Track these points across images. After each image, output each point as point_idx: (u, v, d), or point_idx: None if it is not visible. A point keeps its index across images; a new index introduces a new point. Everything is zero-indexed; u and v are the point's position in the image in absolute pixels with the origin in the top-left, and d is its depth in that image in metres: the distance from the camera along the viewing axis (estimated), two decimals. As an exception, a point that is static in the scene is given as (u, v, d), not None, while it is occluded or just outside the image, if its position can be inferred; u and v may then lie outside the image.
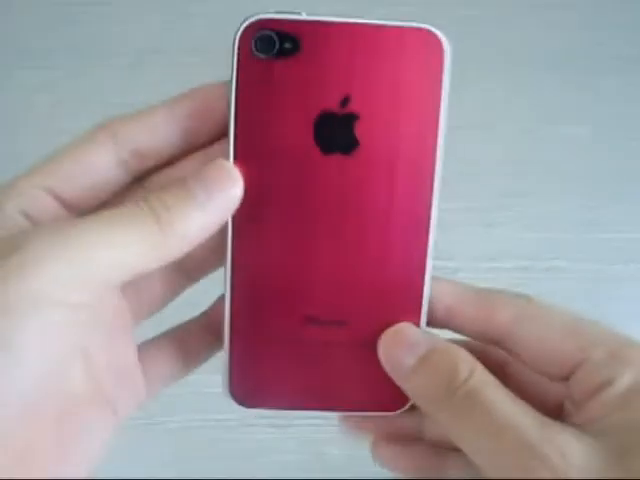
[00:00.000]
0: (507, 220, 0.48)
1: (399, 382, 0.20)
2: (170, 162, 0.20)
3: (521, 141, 0.52)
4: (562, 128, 0.52)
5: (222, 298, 0.21)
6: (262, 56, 0.18)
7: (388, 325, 0.20)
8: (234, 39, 0.20)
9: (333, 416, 0.44)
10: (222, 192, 0.18)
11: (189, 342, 0.22)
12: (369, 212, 0.19)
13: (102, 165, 0.19)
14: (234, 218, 0.19)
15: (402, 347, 0.19)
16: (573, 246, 0.49)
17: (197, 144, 0.20)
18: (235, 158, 0.19)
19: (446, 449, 0.22)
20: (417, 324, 0.20)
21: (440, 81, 0.19)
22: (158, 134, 0.19)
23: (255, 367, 0.20)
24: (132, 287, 0.20)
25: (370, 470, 0.43)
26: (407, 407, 0.21)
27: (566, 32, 0.55)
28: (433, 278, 0.21)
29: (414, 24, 0.19)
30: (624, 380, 0.18)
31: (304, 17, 0.18)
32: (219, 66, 0.53)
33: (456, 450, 0.20)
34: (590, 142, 0.52)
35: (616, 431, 0.17)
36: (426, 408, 0.19)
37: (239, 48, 0.20)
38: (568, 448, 0.16)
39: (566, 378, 0.19)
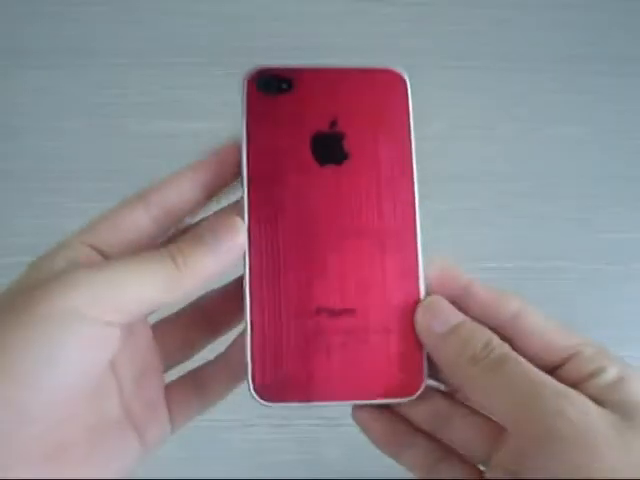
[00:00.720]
0: (507, 220, 0.48)
1: (431, 348, 0.22)
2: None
3: (521, 141, 0.52)
4: (562, 128, 0.52)
5: (241, 331, 0.24)
6: (265, 94, 0.23)
7: (392, 308, 0.23)
8: (242, 81, 0.24)
9: (333, 416, 0.44)
10: (228, 239, 0.22)
11: (209, 382, 0.25)
12: (363, 209, 0.23)
13: (134, 225, 0.23)
14: (249, 224, 0.23)
15: (435, 316, 0.23)
16: (573, 246, 0.49)
17: (217, 197, 0.24)
18: (249, 171, 0.23)
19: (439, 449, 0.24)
20: (417, 299, 0.23)
21: (407, 103, 0.24)
22: (185, 195, 0.23)
23: (275, 364, 0.22)
24: (161, 335, 0.24)
25: (370, 470, 0.43)
26: (420, 392, 0.23)
27: (566, 32, 0.55)
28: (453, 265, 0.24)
29: (383, 66, 0.24)
30: (612, 371, 0.21)
31: (295, 65, 0.24)
32: (219, 66, 0.54)
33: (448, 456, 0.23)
34: (590, 142, 0.52)
35: (614, 407, 0.20)
36: (456, 370, 0.22)
37: (247, 88, 0.24)
38: (588, 408, 0.20)
39: (556, 368, 0.22)
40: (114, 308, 0.20)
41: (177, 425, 0.25)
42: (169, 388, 0.25)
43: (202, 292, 0.26)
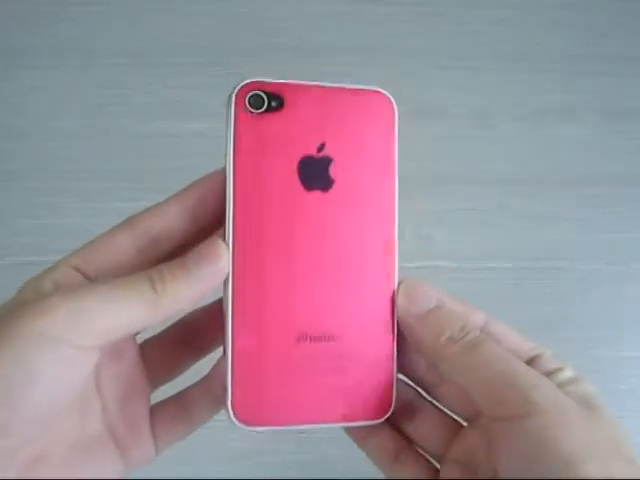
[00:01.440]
0: (507, 220, 0.48)
1: (410, 329, 0.24)
2: (183, 244, 0.24)
3: (521, 141, 0.52)
4: (562, 128, 0.52)
5: (222, 354, 0.24)
6: (253, 111, 0.22)
7: (370, 333, 0.24)
8: (229, 97, 0.23)
9: (335, 427, 0.44)
10: (210, 264, 0.22)
11: (193, 405, 0.25)
12: (345, 238, 0.23)
13: (119, 251, 0.23)
14: (234, 249, 0.22)
15: (414, 299, 0.24)
16: (573, 246, 0.49)
17: (205, 225, 0.24)
18: (233, 195, 0.22)
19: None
20: (392, 327, 0.24)
21: (393, 128, 0.24)
22: (170, 223, 0.23)
23: (255, 389, 0.23)
24: (148, 354, 0.25)
25: (370, 470, 0.43)
26: (389, 414, 0.24)
27: (566, 32, 0.55)
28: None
29: (371, 87, 0.24)
30: (569, 371, 0.23)
31: (286, 81, 0.23)
32: (218, 66, 0.54)
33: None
34: (590, 142, 0.52)
35: (573, 398, 0.21)
36: (435, 349, 0.23)
37: (235, 105, 0.23)
38: (557, 389, 0.21)
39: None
40: (88, 332, 0.20)
41: (161, 447, 0.25)
42: (154, 410, 0.25)
43: (187, 311, 0.26)
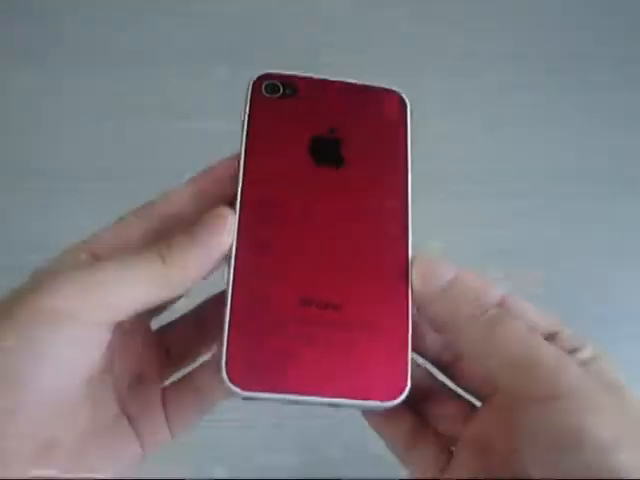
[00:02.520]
0: (507, 220, 0.49)
1: (427, 305, 0.23)
2: None
3: (521, 141, 0.52)
4: (562, 128, 0.52)
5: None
6: (269, 96, 0.24)
7: (382, 309, 0.22)
8: (249, 82, 0.25)
9: (333, 416, 0.44)
10: (217, 231, 0.21)
11: (205, 384, 0.25)
12: (357, 213, 0.23)
13: (133, 237, 0.23)
14: (240, 218, 0.22)
15: (430, 274, 0.23)
16: (573, 246, 0.49)
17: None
18: (245, 168, 0.23)
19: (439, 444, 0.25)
20: (406, 304, 0.23)
21: (405, 124, 0.25)
22: (186, 209, 0.23)
23: (252, 349, 0.21)
24: (163, 340, 0.25)
25: (370, 470, 0.43)
26: (403, 397, 0.22)
27: (566, 32, 0.55)
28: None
29: (384, 86, 0.25)
30: (589, 349, 0.22)
31: (302, 73, 0.25)
32: (219, 66, 0.54)
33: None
34: (589, 142, 0.52)
35: (597, 377, 0.21)
36: (455, 325, 0.22)
37: (252, 90, 0.24)
38: (581, 370, 0.21)
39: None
40: (100, 307, 0.20)
41: (176, 428, 0.25)
42: (165, 391, 0.25)
43: (197, 283, 0.24)
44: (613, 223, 0.50)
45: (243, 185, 0.23)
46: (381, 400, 0.21)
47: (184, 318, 0.26)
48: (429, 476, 0.24)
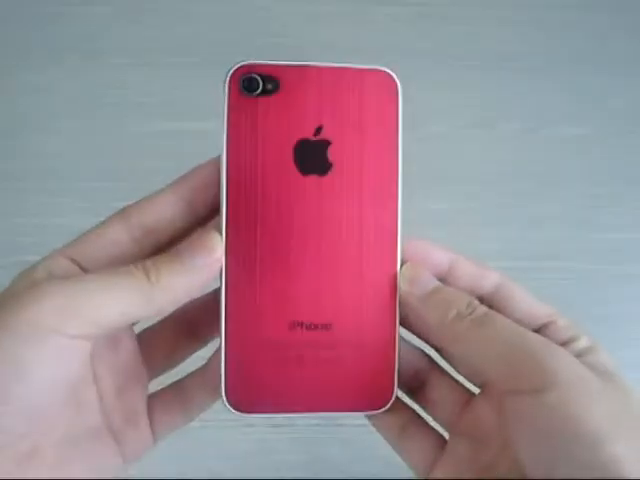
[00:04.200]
0: (507, 220, 0.48)
1: (416, 310, 0.23)
2: (182, 233, 0.24)
3: (521, 141, 0.52)
4: (562, 128, 0.52)
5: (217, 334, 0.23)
6: (248, 95, 0.22)
7: (369, 321, 0.23)
8: (224, 81, 0.22)
9: (333, 416, 0.44)
10: (204, 255, 0.21)
11: (191, 393, 0.25)
12: (344, 224, 0.22)
13: (114, 242, 0.23)
14: (227, 238, 0.22)
15: (416, 281, 0.23)
16: (573, 246, 0.49)
17: (204, 213, 0.23)
18: (227, 181, 0.22)
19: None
20: (393, 320, 0.23)
21: (396, 110, 0.23)
22: (166, 213, 0.23)
23: (249, 374, 0.22)
24: (146, 344, 0.24)
25: (370, 470, 0.43)
26: (390, 405, 0.23)
27: (566, 32, 0.55)
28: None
29: (373, 66, 0.23)
30: (584, 339, 0.23)
31: (282, 62, 0.22)
32: (219, 66, 0.53)
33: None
34: (590, 142, 0.52)
35: (592, 368, 0.21)
36: (443, 328, 0.22)
37: (229, 88, 0.22)
38: (575, 360, 0.21)
39: (536, 332, 0.23)
40: (80, 322, 0.20)
41: (159, 436, 0.25)
42: (151, 399, 0.25)
43: (184, 302, 0.24)
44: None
45: (227, 201, 0.22)
46: (367, 410, 0.23)
47: (168, 319, 0.26)
48: (423, 466, 0.25)
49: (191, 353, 0.26)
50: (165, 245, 0.23)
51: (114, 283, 0.20)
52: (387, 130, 0.23)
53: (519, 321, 0.23)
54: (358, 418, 0.45)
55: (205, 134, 0.51)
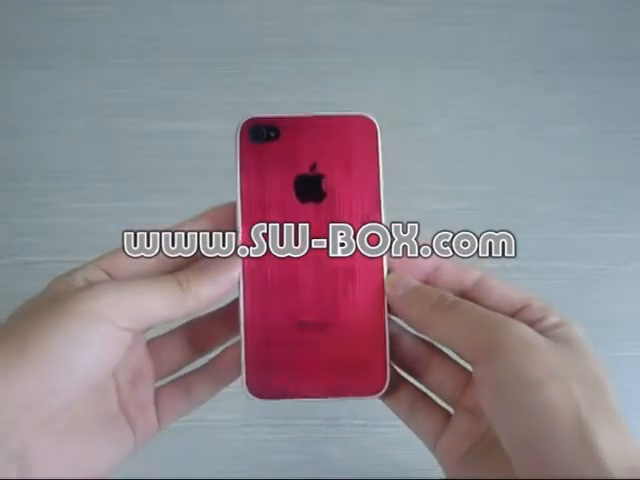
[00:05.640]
0: (507, 220, 0.49)
1: (399, 307, 0.27)
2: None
3: (521, 141, 0.52)
4: (562, 128, 0.52)
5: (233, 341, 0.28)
6: (255, 142, 0.27)
7: (363, 320, 0.27)
8: (236, 130, 0.27)
9: (333, 416, 0.44)
10: (227, 274, 0.26)
11: (194, 387, 0.29)
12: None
13: (142, 260, 0.27)
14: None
15: (399, 284, 0.28)
16: (573, 246, 0.49)
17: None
18: (242, 210, 0.27)
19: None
20: (383, 320, 0.28)
21: (376, 147, 0.28)
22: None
23: (264, 366, 0.27)
24: (155, 350, 0.28)
25: (370, 470, 0.43)
26: (384, 391, 0.28)
27: (566, 32, 0.55)
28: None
29: (355, 113, 0.28)
30: (555, 317, 0.26)
31: (281, 114, 0.27)
32: (219, 66, 0.54)
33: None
34: (590, 142, 0.52)
35: (551, 337, 0.24)
36: (421, 319, 0.27)
37: (240, 137, 0.27)
38: (528, 329, 0.24)
39: (513, 315, 0.26)
40: (130, 316, 0.24)
41: (164, 424, 0.28)
42: (159, 391, 0.29)
43: (206, 309, 0.28)
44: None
45: (242, 224, 0.27)
46: (365, 395, 0.28)
47: (175, 331, 0.30)
48: (430, 437, 0.28)
49: (192, 361, 0.30)
50: (184, 264, 0.27)
51: (156, 288, 0.25)
52: (370, 164, 0.28)
53: (496, 307, 0.26)
54: (358, 418, 0.45)
55: (204, 134, 0.51)
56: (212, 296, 0.26)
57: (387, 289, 0.27)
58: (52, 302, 0.23)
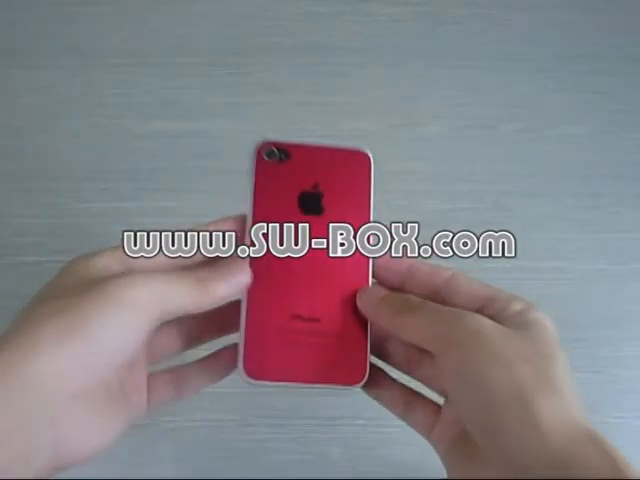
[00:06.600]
0: (507, 220, 0.49)
1: (370, 316, 0.31)
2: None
3: (521, 141, 0.52)
4: (562, 128, 0.52)
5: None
6: (268, 161, 0.32)
7: (347, 320, 0.31)
8: (252, 150, 0.31)
9: (333, 416, 0.44)
10: (237, 276, 0.30)
11: (186, 379, 0.32)
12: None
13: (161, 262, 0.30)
14: (251, 258, 0.31)
15: (368, 295, 0.31)
16: (573, 246, 0.49)
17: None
18: (253, 219, 0.31)
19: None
20: (365, 321, 0.31)
21: (369, 174, 0.32)
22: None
23: (260, 352, 0.30)
24: (151, 340, 0.29)
25: (370, 470, 0.43)
26: (364, 382, 0.31)
27: (566, 32, 0.55)
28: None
29: (355, 147, 0.32)
30: (518, 306, 0.28)
31: (292, 141, 0.32)
32: (219, 66, 0.54)
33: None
34: (590, 142, 0.52)
35: (509, 324, 0.27)
36: (389, 323, 0.30)
37: (255, 156, 0.31)
38: (483, 320, 0.27)
39: (479, 309, 0.29)
40: (159, 307, 0.26)
41: (152, 406, 0.31)
42: (152, 377, 0.31)
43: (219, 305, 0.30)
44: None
45: (252, 232, 0.31)
46: (347, 385, 0.31)
47: (165, 325, 0.31)
48: (424, 429, 0.31)
49: (179, 353, 0.32)
50: (192, 262, 0.30)
51: (182, 283, 0.27)
52: (363, 188, 0.32)
53: (464, 303, 0.29)
54: (358, 418, 0.45)
55: (204, 134, 0.51)
56: (225, 295, 0.29)
57: (357, 302, 0.31)
58: (90, 286, 0.26)
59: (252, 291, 0.30)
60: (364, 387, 0.32)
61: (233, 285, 0.29)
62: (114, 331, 0.25)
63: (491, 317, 0.27)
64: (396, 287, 0.31)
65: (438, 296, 0.30)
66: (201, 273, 0.29)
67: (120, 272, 0.27)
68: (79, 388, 0.25)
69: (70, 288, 0.26)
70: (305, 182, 0.32)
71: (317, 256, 0.31)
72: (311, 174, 0.32)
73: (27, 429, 0.23)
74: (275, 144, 0.32)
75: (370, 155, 0.32)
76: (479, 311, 0.28)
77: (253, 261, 0.30)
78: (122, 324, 0.26)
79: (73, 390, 0.25)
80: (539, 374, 0.25)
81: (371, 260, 0.32)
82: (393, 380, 0.32)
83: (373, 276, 0.32)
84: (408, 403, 0.32)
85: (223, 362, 0.32)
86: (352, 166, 0.32)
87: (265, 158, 0.32)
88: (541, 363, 0.25)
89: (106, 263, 0.28)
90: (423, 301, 0.29)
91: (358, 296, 0.31)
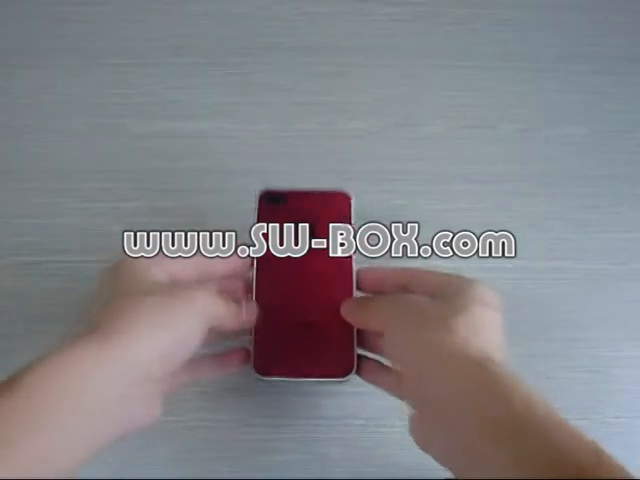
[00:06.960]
0: (508, 220, 0.49)
1: (352, 320, 0.37)
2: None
3: (521, 141, 0.52)
4: (562, 128, 0.52)
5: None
6: (269, 203, 0.40)
7: (336, 325, 0.37)
8: (256, 195, 0.39)
9: (333, 416, 0.44)
10: (249, 317, 0.37)
11: (199, 370, 0.38)
12: (323, 267, 0.39)
13: (185, 269, 0.36)
14: (257, 277, 0.38)
15: (350, 304, 0.38)
16: (573, 246, 0.49)
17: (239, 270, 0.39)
18: (257, 245, 0.39)
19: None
20: (352, 329, 0.38)
21: (350, 210, 0.40)
22: (217, 270, 0.37)
23: (267, 352, 0.38)
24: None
25: (370, 470, 0.43)
26: (351, 374, 0.37)
27: (566, 32, 0.55)
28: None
29: (337, 189, 0.40)
30: (456, 284, 0.34)
31: (288, 188, 0.40)
32: (219, 66, 0.53)
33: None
34: (590, 142, 0.52)
35: (443, 299, 0.33)
36: (357, 318, 0.36)
37: (259, 200, 0.39)
38: (421, 299, 0.33)
39: (432, 293, 0.34)
40: (214, 320, 0.33)
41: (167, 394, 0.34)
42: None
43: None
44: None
45: (257, 260, 0.38)
46: (336, 377, 0.37)
47: None
48: (395, 392, 0.36)
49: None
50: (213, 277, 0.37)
51: (229, 304, 0.35)
52: (345, 219, 0.39)
53: (423, 291, 0.34)
54: (358, 418, 0.45)
55: (204, 134, 0.51)
56: (233, 328, 0.35)
57: (341, 311, 0.37)
58: (173, 291, 0.32)
59: (259, 307, 0.38)
60: (361, 375, 0.38)
61: (236, 322, 0.36)
62: (192, 332, 0.31)
63: (441, 298, 0.33)
64: (376, 291, 0.38)
65: (408, 291, 0.36)
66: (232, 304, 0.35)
67: (196, 288, 0.33)
68: (162, 375, 0.31)
69: (147, 289, 0.32)
70: (299, 217, 0.39)
71: (311, 275, 0.39)
72: (305, 213, 0.40)
73: (121, 402, 0.29)
74: (275, 191, 0.40)
75: (351, 195, 0.40)
76: (434, 295, 0.33)
77: (259, 284, 0.38)
78: (197, 327, 0.32)
79: (158, 376, 0.30)
80: (444, 323, 0.31)
81: (354, 274, 0.38)
82: (385, 366, 0.37)
83: (357, 287, 0.38)
84: (399, 383, 0.36)
85: (237, 360, 0.38)
86: (336, 204, 0.40)
87: (266, 202, 0.39)
88: (451, 316, 0.31)
89: (156, 272, 0.33)
90: (375, 296, 0.37)
91: (341, 307, 0.37)
